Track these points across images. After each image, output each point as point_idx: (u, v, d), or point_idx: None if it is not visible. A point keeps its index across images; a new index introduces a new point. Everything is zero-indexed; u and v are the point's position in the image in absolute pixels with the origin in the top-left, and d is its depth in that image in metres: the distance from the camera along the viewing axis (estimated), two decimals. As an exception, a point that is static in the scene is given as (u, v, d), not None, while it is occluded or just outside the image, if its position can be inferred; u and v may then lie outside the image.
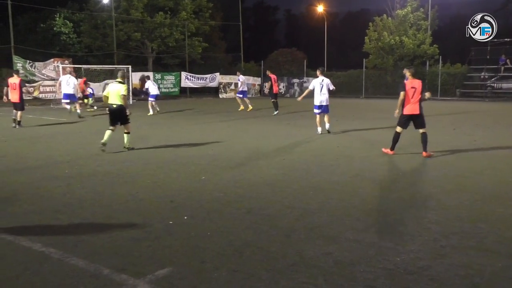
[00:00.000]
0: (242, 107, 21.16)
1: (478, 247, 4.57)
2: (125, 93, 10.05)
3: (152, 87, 19.90)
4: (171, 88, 32.58)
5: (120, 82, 10.21)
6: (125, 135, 10.42)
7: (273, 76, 19.62)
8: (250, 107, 20.84)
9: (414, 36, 35.27)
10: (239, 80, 21.34)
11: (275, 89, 19.28)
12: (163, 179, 7.61)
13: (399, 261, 4.24)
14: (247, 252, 4.48)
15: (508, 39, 34.14)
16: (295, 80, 37.50)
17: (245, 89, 21.67)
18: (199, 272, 4.07)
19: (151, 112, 19.56)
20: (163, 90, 32.13)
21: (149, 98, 19.92)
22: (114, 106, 10.12)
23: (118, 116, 10.17)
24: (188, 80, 33.60)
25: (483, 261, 4.23)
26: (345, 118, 17.98)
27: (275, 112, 18.25)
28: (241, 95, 21.44)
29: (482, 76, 33.71)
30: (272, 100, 19.11)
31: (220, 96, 34.41)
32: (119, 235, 4.95)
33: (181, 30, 35.71)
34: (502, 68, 33.07)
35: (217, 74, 35.18)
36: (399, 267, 4.11)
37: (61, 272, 4.07)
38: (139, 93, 30.76)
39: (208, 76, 34.47)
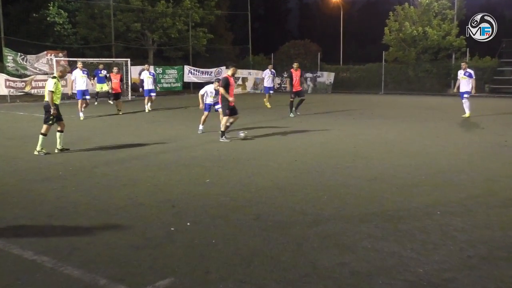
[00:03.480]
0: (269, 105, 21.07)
1: (509, 258, 4.53)
2: (52, 89, 9.88)
3: (145, 80, 19.75)
4: (174, 83, 32.68)
5: (53, 77, 10.17)
6: (57, 133, 10.25)
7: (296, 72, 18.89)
8: (269, 105, 20.80)
9: (439, 27, 35.02)
10: (267, 74, 21.62)
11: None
12: (164, 182, 7.64)
13: (422, 272, 4.22)
14: (256, 261, 4.48)
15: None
16: (308, 75, 37.40)
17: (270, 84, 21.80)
18: (203, 283, 4.08)
19: (148, 108, 19.49)
20: (164, 85, 32.22)
21: (151, 93, 19.80)
22: (44, 101, 10.18)
23: (46, 113, 10.09)
24: (191, 75, 33.67)
25: (515, 273, 4.19)
26: (363, 115, 17.92)
27: (291, 114, 17.69)
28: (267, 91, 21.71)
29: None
30: (292, 98, 18.28)
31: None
32: (117, 242, 4.97)
33: (185, 20, 35.79)
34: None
35: (223, 68, 35.24)
36: (422, 279, 4.09)
37: (55, 282, 4.10)
38: (139, 88, 30.89)
39: (213, 70, 34.53)
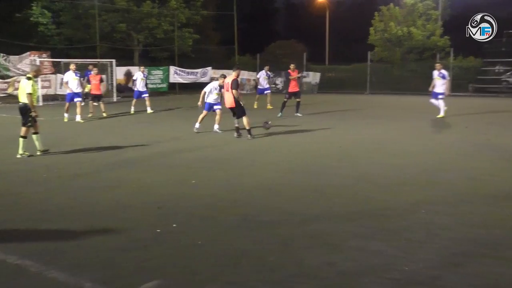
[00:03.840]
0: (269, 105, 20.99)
1: (493, 255, 4.58)
2: (30, 91, 9.67)
3: (139, 82, 19.63)
4: (159, 83, 32.52)
5: (28, 78, 9.95)
6: (33, 136, 10.05)
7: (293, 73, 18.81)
8: (256, 104, 20.74)
9: (424, 27, 35.36)
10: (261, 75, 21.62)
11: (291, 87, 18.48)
12: (150, 183, 7.60)
13: (408, 270, 4.26)
14: (243, 262, 4.48)
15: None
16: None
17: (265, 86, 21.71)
18: (191, 284, 4.07)
19: (133, 110, 19.31)
20: (150, 86, 32.02)
21: (143, 95, 19.64)
22: (20, 103, 9.98)
23: (23, 115, 9.93)
24: (177, 75, 33.55)
25: (499, 270, 4.25)
26: (349, 115, 18.01)
27: (279, 114, 17.68)
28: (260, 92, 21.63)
29: (496, 70, 33.83)
30: (286, 98, 18.23)
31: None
32: (102, 245, 4.94)
33: (170, 20, 35.65)
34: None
35: (209, 68, 35.16)
36: (407, 277, 4.12)
37: (39, 286, 4.06)
38: (124, 89, 30.70)
39: (199, 70, 34.44)
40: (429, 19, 35.76)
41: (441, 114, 17.00)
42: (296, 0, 74.00)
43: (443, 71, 17.06)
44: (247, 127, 12.21)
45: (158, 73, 32.86)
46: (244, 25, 52.26)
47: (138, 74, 19.84)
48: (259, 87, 22.05)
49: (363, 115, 18.36)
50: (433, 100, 17.20)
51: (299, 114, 17.50)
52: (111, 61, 28.24)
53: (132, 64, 34.17)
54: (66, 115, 16.63)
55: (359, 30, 42.77)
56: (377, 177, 7.88)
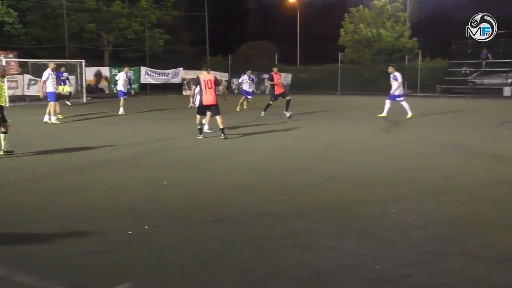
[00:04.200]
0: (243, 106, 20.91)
1: (461, 252, 4.68)
2: None
3: (120, 82, 19.64)
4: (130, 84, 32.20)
5: None
6: (1, 134, 9.95)
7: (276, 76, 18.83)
8: (239, 108, 20.59)
9: (392, 29, 35.95)
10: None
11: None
12: (121, 185, 7.50)
13: (379, 269, 4.31)
14: (216, 264, 4.46)
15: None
16: (266, 76, 37.57)
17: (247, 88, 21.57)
18: (163, 286, 4.03)
19: (121, 111, 19.06)
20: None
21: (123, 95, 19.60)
22: None
23: None
24: (148, 76, 33.26)
25: (466, 267, 4.34)
26: (320, 116, 18.16)
27: (263, 113, 17.69)
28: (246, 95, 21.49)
29: (463, 72, 34.64)
30: (272, 101, 18.21)
31: (184, 93, 34.15)
32: (72, 247, 4.85)
33: (141, 20, 35.32)
34: (484, 63, 34.07)
35: (181, 69, 34.96)
36: (379, 276, 4.17)
37: (7, 290, 3.96)
38: (94, 90, 30.26)
39: (170, 71, 34.21)
40: (398, 21, 36.39)
41: (384, 114, 17.37)
42: (267, 1, 74.20)
43: (396, 74, 17.35)
44: (221, 126, 12.19)
45: (129, 73, 32.52)
46: (215, 25, 52.06)
47: (121, 74, 19.89)
48: (244, 88, 21.69)
49: (334, 116, 18.54)
50: (388, 101, 17.48)
51: (289, 113, 17.16)
52: (81, 62, 27.79)
53: (102, 65, 33.73)
54: (53, 117, 15.88)
55: (330, 31, 43.16)
56: (349, 177, 7.97)
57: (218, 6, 54.14)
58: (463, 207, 6.24)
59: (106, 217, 5.84)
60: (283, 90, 18.04)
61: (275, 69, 18.20)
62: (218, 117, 12.23)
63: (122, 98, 19.29)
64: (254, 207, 6.23)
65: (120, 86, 19.57)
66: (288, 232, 5.29)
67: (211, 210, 6.11)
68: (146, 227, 5.46)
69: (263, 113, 17.47)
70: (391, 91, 17.43)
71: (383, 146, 11.14)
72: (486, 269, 4.31)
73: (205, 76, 12.38)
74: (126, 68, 21.03)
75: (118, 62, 37.39)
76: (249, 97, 21.45)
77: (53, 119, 15.80)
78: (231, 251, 4.74)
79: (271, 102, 17.65)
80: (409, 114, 17.10)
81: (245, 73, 22.05)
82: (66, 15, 32.18)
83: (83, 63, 27.89)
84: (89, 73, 29.85)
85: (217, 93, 12.47)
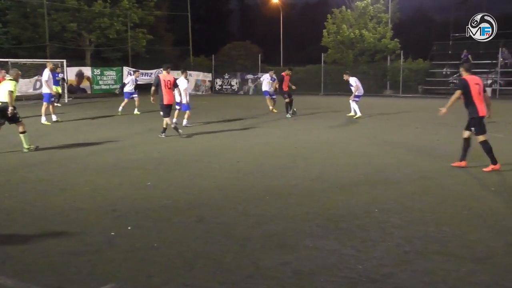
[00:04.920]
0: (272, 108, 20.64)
1: (442, 252, 4.74)
2: (12, 88, 10.25)
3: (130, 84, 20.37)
4: (112, 84, 31.93)
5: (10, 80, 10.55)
6: (20, 135, 10.51)
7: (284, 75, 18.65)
8: (273, 109, 20.08)
9: (375, 30, 36.22)
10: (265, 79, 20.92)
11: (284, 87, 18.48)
12: (103, 185, 7.44)
13: (362, 269, 4.34)
14: (199, 264, 4.46)
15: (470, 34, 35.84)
16: (249, 76, 37.59)
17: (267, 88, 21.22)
18: (146, 287, 4.02)
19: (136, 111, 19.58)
20: (103, 87, 31.53)
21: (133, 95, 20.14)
22: (0, 103, 10.32)
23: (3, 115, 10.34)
24: (130, 76, 33.02)
25: (447, 266, 4.40)
26: (303, 116, 18.21)
27: (288, 115, 17.75)
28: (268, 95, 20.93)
29: (444, 72, 35.06)
30: (286, 98, 18.27)
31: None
32: (54, 249, 4.80)
33: (123, 20, 35.04)
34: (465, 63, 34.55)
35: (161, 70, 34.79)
36: (361, 275, 4.21)
37: (-14, 293, 3.90)
38: (76, 90, 29.95)
39: (153, 71, 34.01)
40: (380, 22, 36.67)
41: (351, 113, 17.97)
42: (250, 1, 74.27)
43: (350, 80, 18.01)
44: (164, 126, 12.46)
45: (111, 73, 32.29)
46: (198, 26, 51.99)
47: (131, 78, 20.96)
48: (264, 89, 20.79)
49: (318, 116, 18.61)
50: (352, 102, 18.19)
51: (289, 115, 17.84)
52: (62, 62, 27.46)
53: (84, 65, 33.38)
54: (54, 116, 16.25)
55: (313, 32, 43.39)
56: (332, 177, 8.02)
57: (200, 6, 54.03)
58: (443, 206, 6.32)
59: (88, 218, 5.79)
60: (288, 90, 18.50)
61: (287, 72, 18.65)
62: (166, 119, 12.46)
63: (136, 98, 20.05)
64: (237, 208, 6.23)
65: (129, 88, 20.39)
66: (271, 232, 5.31)
67: (194, 211, 6.09)
68: (129, 227, 5.43)
69: (288, 115, 17.81)
70: (352, 95, 17.93)
71: (365, 147, 11.22)
72: (467, 268, 4.37)
73: (165, 76, 12.54)
74: (137, 72, 22.33)
75: (100, 62, 37.05)
76: (273, 96, 20.37)
77: (43, 120, 15.87)
78: (214, 252, 4.74)
79: (286, 100, 18.06)
80: (352, 113, 17.90)
81: (266, 73, 21.25)
82: (47, 15, 31.77)
83: (65, 63, 27.58)
84: (71, 73, 29.55)
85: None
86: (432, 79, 34.99)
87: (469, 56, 34.15)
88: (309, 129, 14.54)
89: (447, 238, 5.13)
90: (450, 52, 35.86)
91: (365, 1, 36.50)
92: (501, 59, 31.64)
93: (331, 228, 5.45)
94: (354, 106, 17.99)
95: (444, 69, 35.08)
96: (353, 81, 18.05)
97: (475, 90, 8.57)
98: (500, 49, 31.21)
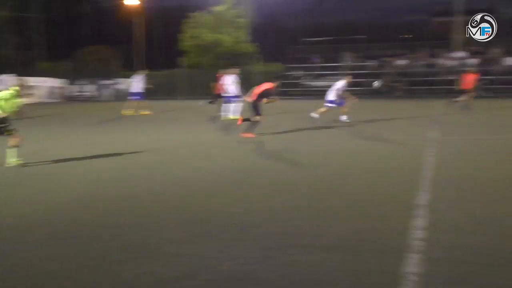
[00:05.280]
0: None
1: (298, 245, 4.97)
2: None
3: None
4: None
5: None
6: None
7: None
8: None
9: (232, 34, 37.14)
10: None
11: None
12: None
13: (224, 269, 4.39)
14: (53, 285, 4.15)
15: (321, 38, 38.68)
16: (107, 82, 36.24)
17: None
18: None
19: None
20: None
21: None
22: None
23: None
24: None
25: (301, 257, 4.62)
26: (165, 121, 18.02)
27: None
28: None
29: (295, 75, 37.18)
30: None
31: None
32: None
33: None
34: (314, 66, 36.99)
35: (4, 76, 31.95)
36: (225, 276, 4.25)
37: None
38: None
39: (-1, 77, 31.11)
40: (237, 27, 37.69)
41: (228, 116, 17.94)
42: (106, 3, 71.54)
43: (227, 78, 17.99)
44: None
45: None
46: (49, 29, 48.70)
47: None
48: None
49: (179, 121, 18.53)
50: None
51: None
52: None
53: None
54: None
55: (172, 36, 43.07)
56: (193, 181, 7.99)
57: (47, 9, 50.66)
58: (295, 201, 6.62)
59: None
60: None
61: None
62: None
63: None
64: (93, 220, 5.93)
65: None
66: (131, 242, 5.13)
67: (45, 228, 5.65)
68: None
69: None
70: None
71: (221, 149, 11.42)
72: (318, 257, 4.64)
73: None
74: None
75: None
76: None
77: None
78: (70, 270, 4.44)
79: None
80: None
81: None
82: None
83: None
84: None
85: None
86: (285, 81, 36.78)
87: (319, 59, 36.75)
88: (169, 134, 14.41)
89: (300, 231, 5.36)
90: (301, 55, 38.14)
91: (222, 6, 37.22)
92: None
93: (191, 232, 5.41)
94: (232, 107, 17.70)
95: (296, 72, 37.13)
96: (229, 80, 17.80)
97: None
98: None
